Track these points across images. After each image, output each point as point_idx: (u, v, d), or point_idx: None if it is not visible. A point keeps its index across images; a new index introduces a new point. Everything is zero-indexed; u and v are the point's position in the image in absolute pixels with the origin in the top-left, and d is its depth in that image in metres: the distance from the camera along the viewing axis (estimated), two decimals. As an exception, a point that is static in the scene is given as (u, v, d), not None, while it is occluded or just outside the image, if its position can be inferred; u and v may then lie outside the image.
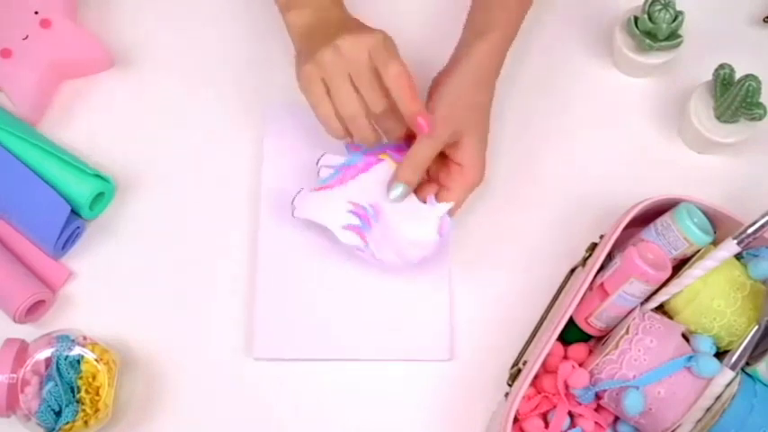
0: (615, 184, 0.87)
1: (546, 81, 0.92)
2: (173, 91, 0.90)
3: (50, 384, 0.76)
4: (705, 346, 0.74)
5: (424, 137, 0.78)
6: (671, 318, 0.77)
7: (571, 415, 0.76)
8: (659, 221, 0.78)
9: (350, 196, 0.81)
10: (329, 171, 0.83)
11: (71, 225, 0.83)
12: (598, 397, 0.75)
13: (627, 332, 0.74)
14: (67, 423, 0.75)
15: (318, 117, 0.77)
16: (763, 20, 0.94)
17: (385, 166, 0.82)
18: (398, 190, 0.79)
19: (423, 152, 0.78)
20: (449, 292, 0.84)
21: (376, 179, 0.81)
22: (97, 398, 0.76)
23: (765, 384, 0.73)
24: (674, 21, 0.86)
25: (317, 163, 0.83)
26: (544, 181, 0.88)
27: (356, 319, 0.82)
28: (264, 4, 0.93)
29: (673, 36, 0.87)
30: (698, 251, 0.77)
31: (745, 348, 0.72)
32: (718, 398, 0.72)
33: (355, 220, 0.80)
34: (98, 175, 0.84)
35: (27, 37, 0.86)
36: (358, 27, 0.77)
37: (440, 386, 0.82)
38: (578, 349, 0.78)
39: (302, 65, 0.76)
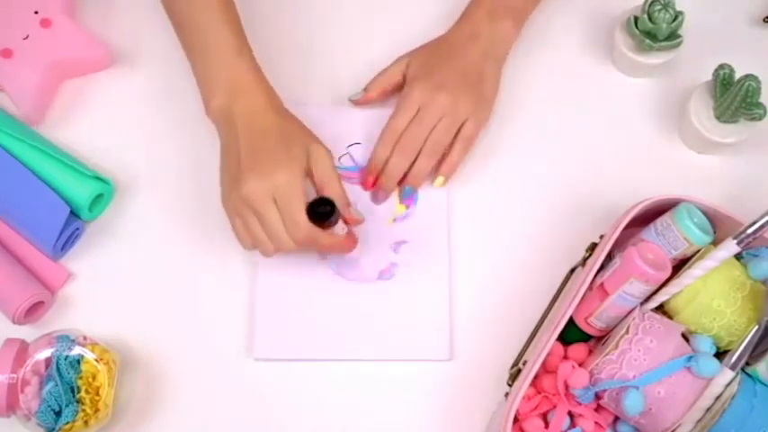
0: (615, 184, 0.87)
1: (546, 81, 0.92)
2: (173, 90, 0.90)
3: (50, 384, 0.76)
4: (705, 346, 0.74)
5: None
6: (671, 318, 0.77)
7: (571, 415, 0.76)
8: (659, 221, 0.78)
9: None
10: (350, 162, 0.86)
11: (70, 226, 0.83)
12: (598, 397, 0.75)
13: (627, 332, 0.74)
14: (67, 423, 0.75)
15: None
16: (763, 20, 0.94)
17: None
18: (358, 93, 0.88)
19: (380, 75, 0.88)
20: (449, 292, 0.84)
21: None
22: (97, 398, 0.76)
23: (765, 384, 0.73)
24: (674, 21, 0.86)
25: (348, 146, 0.87)
26: (544, 181, 0.88)
27: (356, 319, 0.82)
28: (264, 3, 0.93)
29: (673, 36, 0.87)
30: (698, 251, 0.77)
31: (745, 348, 0.72)
32: (718, 398, 0.72)
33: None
34: (97, 177, 0.84)
35: (27, 37, 0.87)
36: (266, 160, 0.76)
37: (440, 386, 0.82)
38: (578, 349, 0.78)
39: (224, 197, 0.78)
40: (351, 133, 0.88)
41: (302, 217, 0.75)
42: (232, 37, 0.81)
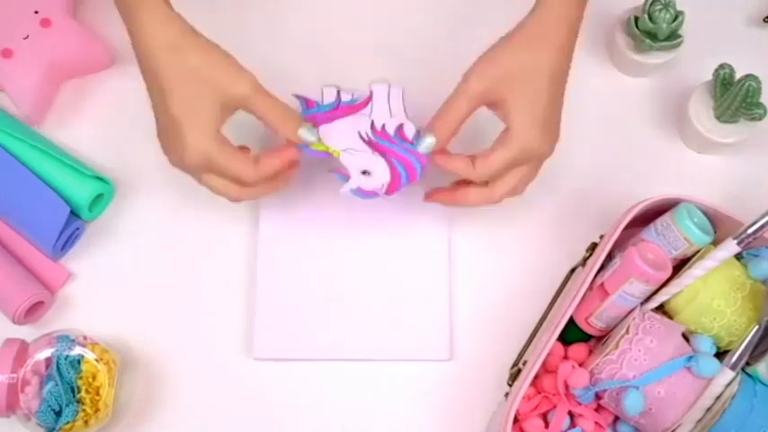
0: (615, 184, 0.88)
1: (546, 81, 0.92)
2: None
3: (50, 384, 0.76)
4: (705, 346, 0.74)
5: (457, 90, 0.73)
6: (671, 318, 0.77)
7: (571, 415, 0.76)
8: (659, 221, 0.78)
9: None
10: (330, 98, 0.78)
11: (70, 226, 0.83)
12: (598, 397, 0.75)
13: (627, 332, 0.74)
14: (67, 423, 0.75)
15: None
16: (763, 20, 0.94)
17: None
18: (427, 141, 0.74)
19: (454, 107, 0.73)
20: (449, 292, 0.84)
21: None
22: (97, 398, 0.76)
23: (765, 384, 0.73)
24: (674, 21, 0.86)
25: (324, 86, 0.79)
26: (544, 181, 0.88)
27: (356, 318, 0.82)
28: (263, 3, 0.93)
29: (673, 36, 0.87)
30: (698, 251, 0.77)
31: (745, 348, 0.72)
32: (718, 398, 0.72)
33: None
34: (97, 177, 0.84)
35: (27, 37, 0.86)
36: (173, 128, 0.71)
37: (440, 386, 0.82)
38: (578, 349, 0.78)
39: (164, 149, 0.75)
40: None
41: (237, 165, 0.71)
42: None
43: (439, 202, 0.80)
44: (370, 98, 0.78)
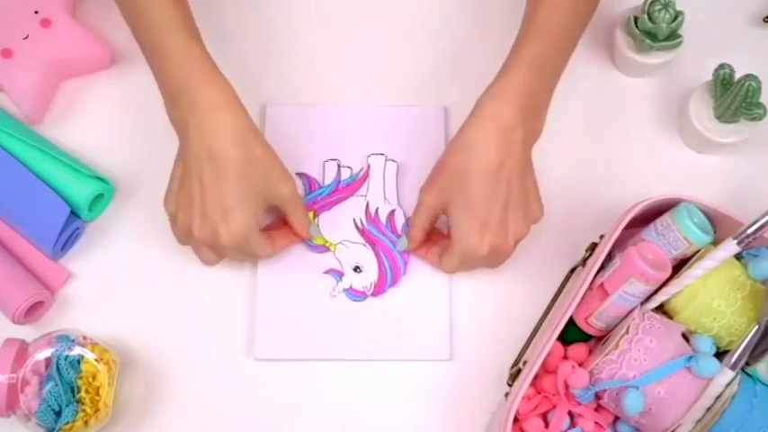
0: (615, 184, 0.87)
1: (546, 81, 0.92)
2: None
3: (50, 384, 0.76)
4: (705, 346, 0.74)
5: (417, 205, 0.81)
6: (671, 318, 0.77)
7: (571, 415, 0.76)
8: (659, 221, 0.78)
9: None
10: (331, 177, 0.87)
11: (70, 226, 0.83)
12: (598, 397, 0.75)
13: (627, 332, 0.74)
14: (67, 423, 0.75)
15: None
16: (763, 20, 0.94)
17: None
18: (402, 242, 0.84)
19: (416, 221, 0.81)
20: (449, 292, 0.84)
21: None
22: (97, 398, 0.76)
23: (765, 384, 0.73)
24: (674, 21, 0.86)
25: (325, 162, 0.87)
26: (544, 181, 0.88)
27: (356, 319, 0.82)
28: (264, 3, 0.93)
29: (673, 36, 0.87)
30: (698, 251, 0.77)
31: (745, 348, 0.72)
32: (718, 398, 0.72)
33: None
34: (97, 177, 0.84)
35: (27, 37, 0.87)
36: (220, 198, 0.75)
37: (440, 386, 0.82)
38: (578, 349, 0.78)
39: (168, 200, 0.79)
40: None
41: (262, 250, 0.79)
42: (189, 42, 0.77)
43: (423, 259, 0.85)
44: (366, 174, 0.86)
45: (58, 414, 0.75)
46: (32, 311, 0.81)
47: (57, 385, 0.75)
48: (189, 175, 0.76)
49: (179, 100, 0.76)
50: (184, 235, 0.79)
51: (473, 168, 0.75)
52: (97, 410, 0.76)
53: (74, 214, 0.83)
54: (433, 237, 0.83)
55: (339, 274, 0.84)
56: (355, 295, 0.83)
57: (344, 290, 0.83)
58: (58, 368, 0.76)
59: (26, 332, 0.80)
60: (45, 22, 0.87)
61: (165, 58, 0.76)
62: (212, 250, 0.79)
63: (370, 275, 0.84)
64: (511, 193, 0.77)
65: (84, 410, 0.76)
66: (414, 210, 0.82)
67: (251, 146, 0.76)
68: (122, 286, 0.84)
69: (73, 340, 0.77)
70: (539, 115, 0.80)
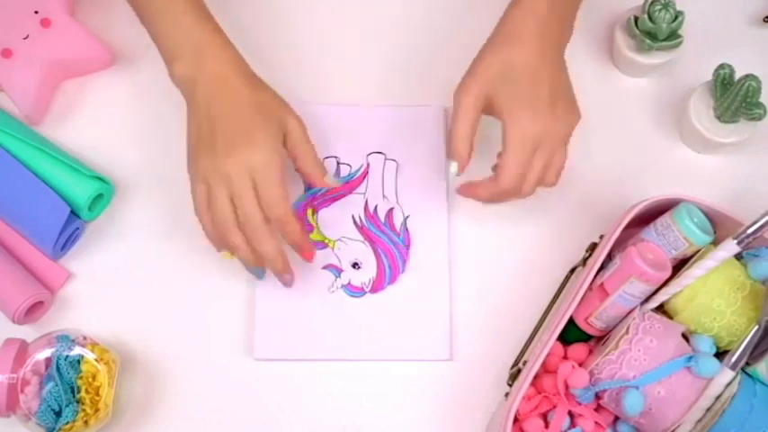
0: (615, 184, 0.87)
1: (546, 81, 0.92)
2: (173, 90, 0.90)
3: (50, 384, 0.76)
4: (705, 346, 0.74)
5: (454, 110, 0.78)
6: (671, 318, 0.77)
7: (571, 415, 0.76)
8: (659, 221, 0.78)
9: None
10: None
11: (70, 226, 0.83)
12: (598, 397, 0.75)
13: (627, 332, 0.74)
14: (67, 423, 0.75)
15: (203, 228, 0.78)
16: (763, 20, 0.94)
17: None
18: (452, 168, 0.79)
19: (458, 129, 0.77)
20: (449, 292, 0.84)
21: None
22: (97, 398, 0.76)
23: (765, 384, 0.73)
24: (674, 21, 0.86)
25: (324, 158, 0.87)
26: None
27: (356, 319, 0.83)
28: (264, 3, 0.93)
29: (673, 36, 0.87)
30: (698, 251, 0.77)
31: (745, 348, 0.72)
32: (718, 398, 0.72)
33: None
34: (97, 177, 0.84)
35: (27, 37, 0.86)
36: (243, 133, 0.75)
37: (440, 386, 0.82)
38: (578, 349, 0.78)
39: (188, 165, 0.77)
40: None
41: (281, 192, 0.75)
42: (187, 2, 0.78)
43: (474, 198, 0.82)
44: (366, 172, 0.86)
45: (58, 414, 0.75)
46: (32, 311, 0.81)
47: (57, 385, 0.75)
48: (204, 119, 0.76)
49: (182, 56, 0.77)
50: (215, 183, 0.75)
51: (517, 57, 0.76)
52: (97, 410, 0.76)
53: (74, 214, 0.83)
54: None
55: (338, 270, 0.84)
56: (353, 291, 0.83)
57: (343, 286, 0.83)
58: (58, 368, 0.76)
59: (26, 332, 0.80)
60: (45, 22, 0.87)
61: (163, 18, 0.78)
62: (240, 197, 0.75)
63: (368, 272, 0.84)
64: (556, 81, 0.78)
65: (84, 410, 0.76)
66: (452, 120, 0.78)
67: (259, 84, 0.78)
68: (122, 286, 0.84)
69: (73, 340, 0.77)
70: (567, 18, 0.81)
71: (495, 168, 0.79)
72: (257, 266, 0.78)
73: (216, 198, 0.75)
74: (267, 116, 0.77)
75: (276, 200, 0.75)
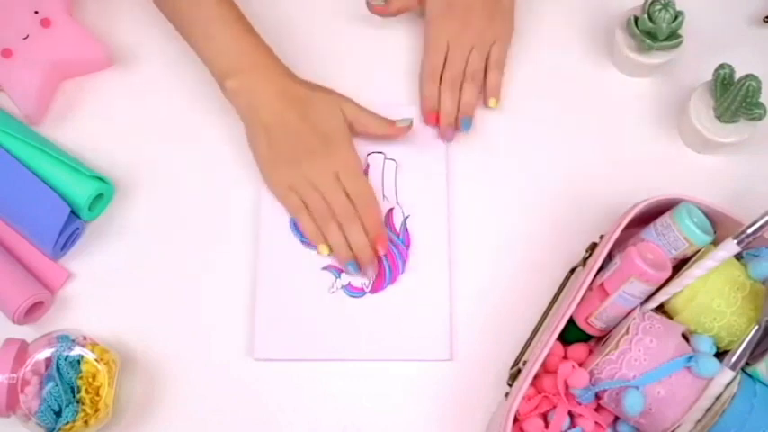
0: (615, 184, 0.87)
1: (546, 81, 0.92)
2: (172, 90, 0.90)
3: (50, 384, 0.76)
4: (705, 346, 0.74)
5: None
6: (671, 318, 0.77)
7: (571, 415, 0.76)
8: (659, 221, 0.78)
9: None
10: None
11: (70, 226, 0.83)
12: (598, 397, 0.75)
13: (627, 332, 0.74)
14: (67, 423, 0.75)
15: (302, 227, 0.84)
16: (763, 20, 0.94)
17: None
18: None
19: None
20: (449, 292, 0.84)
21: None
22: (97, 398, 0.76)
23: (765, 384, 0.73)
24: (674, 21, 0.86)
25: None
26: (544, 181, 0.88)
27: (356, 319, 0.82)
28: (264, 3, 0.93)
29: (673, 36, 0.87)
30: (698, 251, 0.77)
31: (745, 348, 0.72)
32: (718, 398, 0.72)
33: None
34: (97, 177, 0.84)
35: (27, 37, 0.87)
36: (323, 138, 0.83)
37: (440, 386, 0.82)
38: (578, 349, 0.78)
39: (272, 176, 0.84)
40: None
41: (365, 181, 0.84)
42: (232, 12, 0.84)
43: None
44: (366, 172, 0.87)
45: (58, 414, 0.75)
46: (32, 311, 0.81)
47: (57, 385, 0.75)
48: (275, 132, 0.82)
49: (236, 72, 0.82)
50: (305, 189, 0.82)
51: None
52: (97, 410, 0.76)
53: (74, 214, 0.83)
54: None
55: (337, 271, 0.84)
56: (353, 292, 0.83)
57: (343, 286, 0.83)
58: (58, 368, 0.76)
59: (26, 332, 0.80)
60: (45, 22, 0.87)
61: (210, 36, 0.83)
62: (332, 196, 0.82)
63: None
64: None
65: (84, 410, 0.76)
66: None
67: (310, 86, 0.85)
68: (122, 286, 0.84)
69: (73, 340, 0.77)
70: None
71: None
72: (352, 261, 0.82)
73: (312, 201, 0.83)
74: (331, 113, 0.84)
75: (364, 188, 0.83)
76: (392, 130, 0.86)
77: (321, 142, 0.83)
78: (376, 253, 0.83)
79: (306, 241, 0.84)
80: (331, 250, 0.83)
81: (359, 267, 0.82)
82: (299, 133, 0.82)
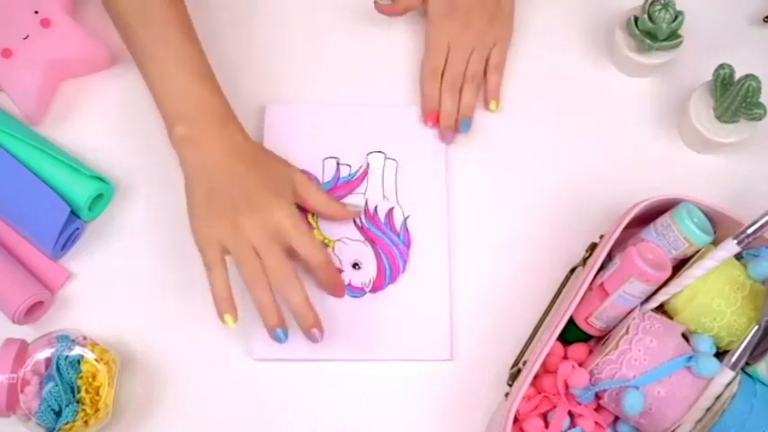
0: (615, 184, 0.87)
1: (546, 81, 0.92)
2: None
3: (50, 384, 0.76)
4: (705, 346, 0.74)
5: None
6: (671, 318, 0.77)
7: (571, 415, 0.76)
8: (659, 221, 0.78)
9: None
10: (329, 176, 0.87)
11: (70, 226, 0.83)
12: (598, 397, 0.75)
13: (627, 332, 0.74)
14: (67, 423, 0.75)
15: (211, 284, 0.77)
16: (763, 20, 0.94)
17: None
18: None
19: None
20: (449, 292, 0.84)
21: None
22: (97, 398, 0.76)
23: (765, 384, 0.73)
24: (674, 21, 0.86)
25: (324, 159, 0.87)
26: (544, 181, 0.88)
27: (356, 319, 0.82)
28: (266, 3, 0.93)
29: (673, 36, 0.87)
30: (698, 251, 0.77)
31: (745, 348, 0.72)
32: (718, 398, 0.72)
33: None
34: (97, 177, 0.84)
35: (27, 36, 0.86)
36: (262, 187, 0.78)
37: (440, 386, 0.82)
38: (578, 349, 0.78)
39: (201, 228, 0.77)
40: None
41: (314, 237, 0.79)
42: (194, 57, 0.80)
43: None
44: (366, 172, 0.86)
45: (58, 414, 0.75)
46: (32, 311, 0.81)
47: (57, 385, 0.75)
48: (215, 182, 0.77)
49: (184, 119, 0.78)
50: (238, 244, 0.76)
51: None
52: (97, 410, 0.76)
53: (74, 214, 0.83)
54: None
55: (338, 271, 0.84)
56: (354, 291, 0.83)
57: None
58: (58, 368, 0.76)
59: (26, 332, 0.80)
60: (45, 22, 0.87)
61: (170, 79, 0.79)
62: (269, 253, 0.76)
63: (368, 272, 0.84)
64: None
65: (84, 410, 0.76)
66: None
67: (261, 147, 0.83)
68: (122, 286, 0.84)
69: (73, 340, 0.77)
70: None
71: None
72: (280, 327, 0.77)
73: (244, 257, 0.76)
74: (278, 178, 0.80)
75: (315, 245, 0.78)
76: (338, 213, 0.83)
77: (264, 197, 0.78)
78: (317, 320, 0.78)
79: None
80: (235, 321, 0.77)
81: (287, 335, 0.77)
82: (242, 184, 0.77)
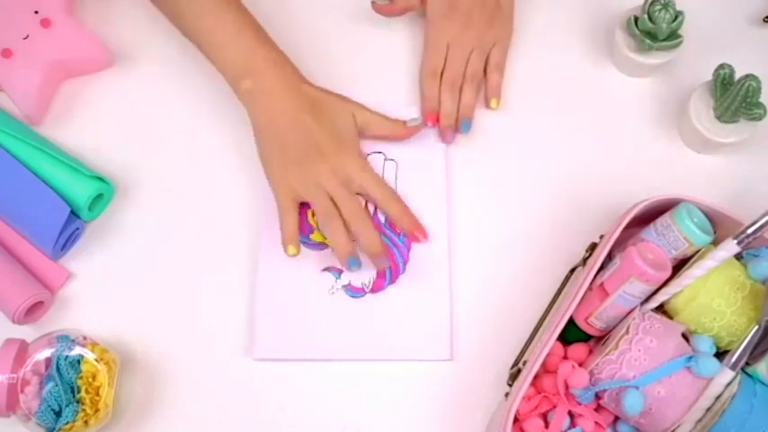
0: (615, 184, 0.87)
1: (546, 81, 0.92)
2: (173, 90, 0.90)
3: (50, 384, 0.76)
4: (705, 346, 0.74)
5: None
6: (671, 318, 0.77)
7: (571, 415, 0.76)
8: (659, 221, 0.78)
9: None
10: None
11: (70, 226, 0.83)
12: (598, 397, 0.75)
13: (627, 332, 0.74)
14: (67, 423, 0.75)
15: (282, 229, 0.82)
16: (763, 20, 0.94)
17: None
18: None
19: None
20: (449, 292, 0.84)
21: None
22: (97, 398, 0.76)
23: (765, 384, 0.73)
24: (674, 21, 0.86)
25: None
26: (544, 181, 0.88)
27: (356, 319, 0.82)
28: (267, 3, 0.93)
29: (673, 36, 0.87)
30: (698, 251, 0.77)
31: (745, 348, 0.72)
32: (718, 398, 0.72)
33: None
34: (97, 177, 0.84)
35: (27, 37, 0.87)
36: (331, 140, 0.82)
37: (440, 386, 0.82)
38: (578, 349, 0.78)
39: (276, 176, 0.82)
40: None
41: (382, 180, 0.84)
42: (242, 16, 0.84)
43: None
44: None
45: (58, 414, 0.75)
46: (32, 311, 0.81)
47: (57, 385, 0.75)
48: (286, 133, 0.82)
49: (248, 73, 0.82)
50: (313, 191, 0.81)
51: None
52: (97, 410, 0.76)
53: (74, 214, 0.83)
54: None
55: (337, 272, 0.84)
56: (354, 292, 0.83)
57: (343, 287, 0.83)
58: (58, 368, 0.76)
59: (26, 332, 0.80)
60: (45, 22, 0.87)
61: (226, 39, 0.83)
62: (342, 197, 0.81)
63: (368, 272, 0.84)
64: None
65: (84, 410, 0.76)
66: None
67: (323, 91, 0.85)
68: (122, 286, 0.84)
69: (73, 340, 0.77)
70: None
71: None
72: (351, 256, 0.81)
73: (319, 201, 0.81)
74: (342, 119, 0.84)
75: (382, 184, 0.83)
76: (403, 132, 0.86)
77: (333, 144, 0.82)
78: (386, 251, 0.82)
79: (306, 241, 0.84)
80: (298, 251, 0.81)
81: (360, 263, 0.81)
82: (310, 135, 0.82)
